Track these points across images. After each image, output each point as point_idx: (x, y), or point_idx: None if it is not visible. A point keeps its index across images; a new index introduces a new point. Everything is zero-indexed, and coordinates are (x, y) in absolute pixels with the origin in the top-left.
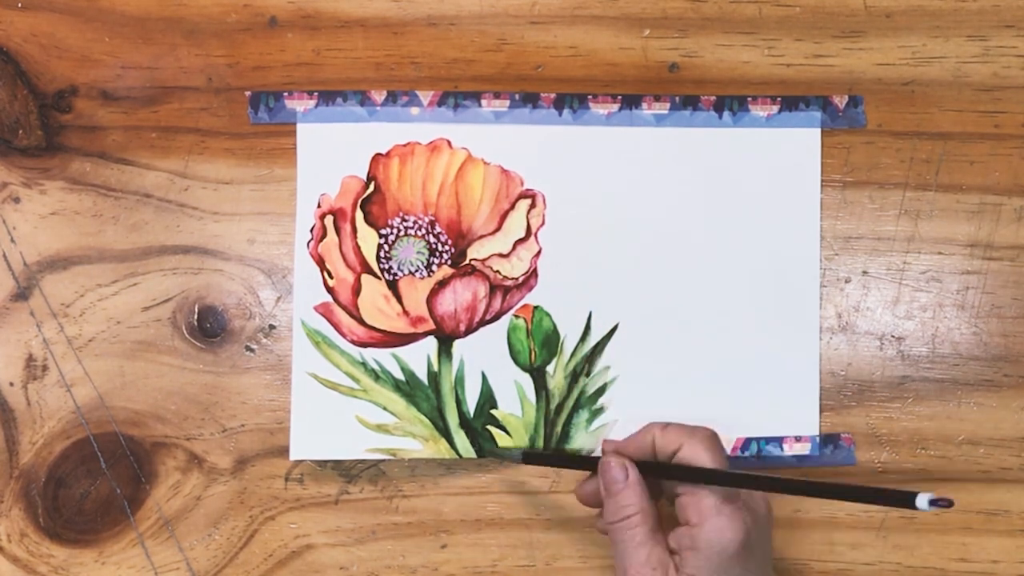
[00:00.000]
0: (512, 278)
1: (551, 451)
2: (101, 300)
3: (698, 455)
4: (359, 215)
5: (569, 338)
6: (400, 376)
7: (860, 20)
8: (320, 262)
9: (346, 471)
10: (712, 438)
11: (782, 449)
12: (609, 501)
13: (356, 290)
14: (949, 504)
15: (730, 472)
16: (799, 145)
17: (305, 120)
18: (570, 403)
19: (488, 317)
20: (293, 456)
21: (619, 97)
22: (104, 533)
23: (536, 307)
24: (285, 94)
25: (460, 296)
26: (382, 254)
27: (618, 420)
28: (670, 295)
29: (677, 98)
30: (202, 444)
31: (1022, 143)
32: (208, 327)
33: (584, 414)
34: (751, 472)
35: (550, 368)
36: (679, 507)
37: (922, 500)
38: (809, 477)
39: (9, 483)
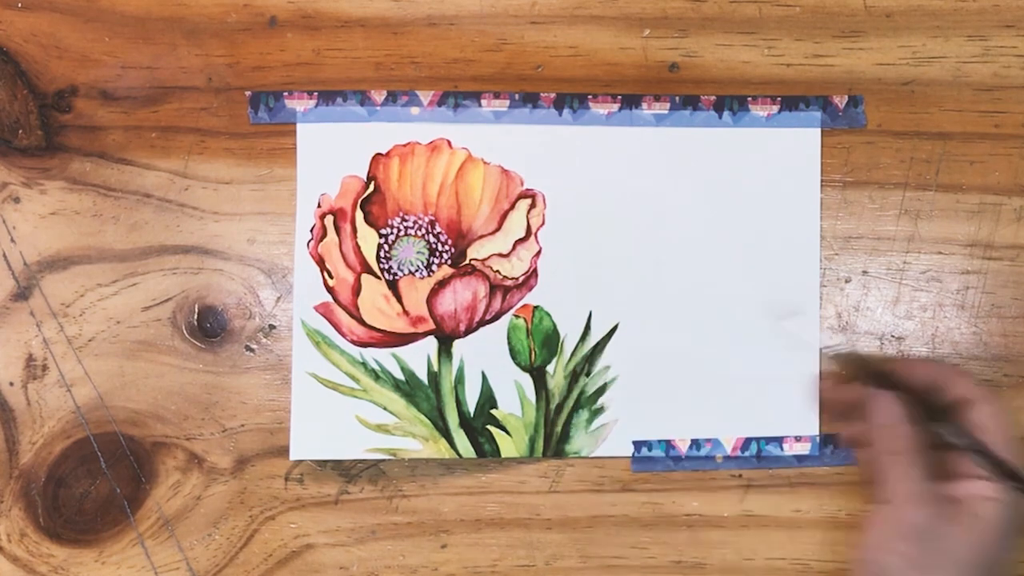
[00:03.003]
0: (512, 278)
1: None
2: (101, 300)
3: (996, 421)
4: (359, 215)
5: (569, 338)
6: (400, 376)
7: (860, 20)
8: (320, 262)
9: (346, 471)
10: (1001, 411)
11: (782, 449)
12: (879, 432)
13: (356, 290)
14: None
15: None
16: (799, 145)
17: (305, 120)
18: (570, 403)
19: (488, 317)
20: (293, 456)
21: (619, 97)
22: (104, 533)
23: (536, 307)
24: (285, 94)
25: (460, 296)
26: (382, 254)
27: (618, 420)
28: (670, 295)
29: (677, 98)
30: (202, 444)
31: (1022, 143)
32: (208, 327)
33: (584, 414)
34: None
35: (550, 368)
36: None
37: None
38: (807, 477)
39: (9, 483)
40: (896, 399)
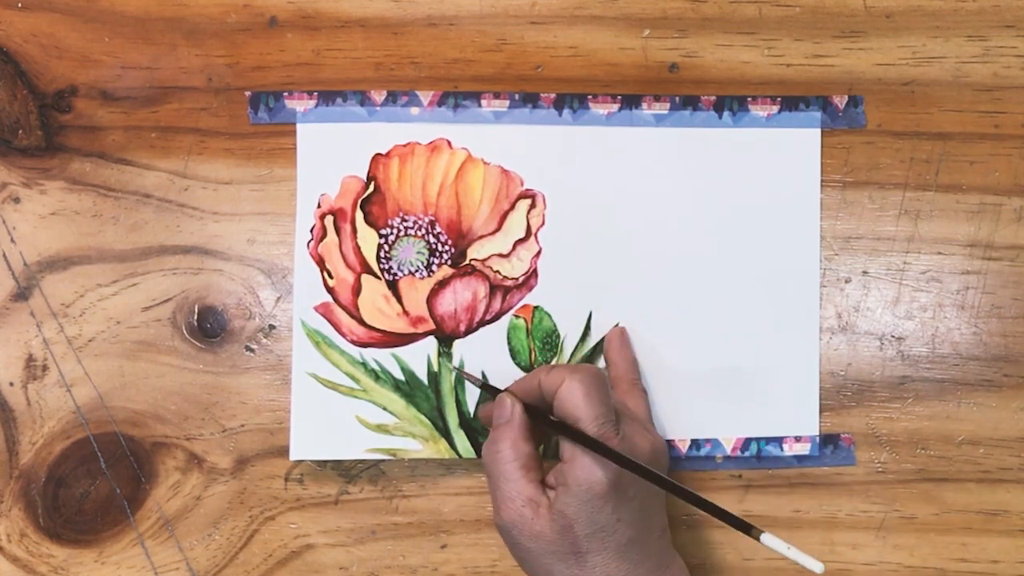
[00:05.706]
0: (512, 278)
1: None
2: (101, 300)
3: (573, 394)
4: (359, 215)
5: (569, 338)
6: (400, 376)
7: (860, 20)
8: (320, 262)
9: (346, 471)
10: (590, 379)
11: (782, 449)
12: (491, 434)
13: (356, 290)
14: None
15: (584, 435)
16: (799, 145)
17: (305, 120)
18: None
19: (488, 317)
20: (293, 456)
21: (619, 97)
22: (104, 533)
23: (536, 307)
24: (285, 94)
25: (460, 296)
26: (382, 254)
27: None
28: (670, 295)
29: (677, 98)
30: (202, 444)
31: (1022, 143)
32: (208, 327)
33: None
34: (612, 450)
35: None
36: (559, 444)
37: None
38: (807, 478)
39: (9, 483)
40: (512, 402)
